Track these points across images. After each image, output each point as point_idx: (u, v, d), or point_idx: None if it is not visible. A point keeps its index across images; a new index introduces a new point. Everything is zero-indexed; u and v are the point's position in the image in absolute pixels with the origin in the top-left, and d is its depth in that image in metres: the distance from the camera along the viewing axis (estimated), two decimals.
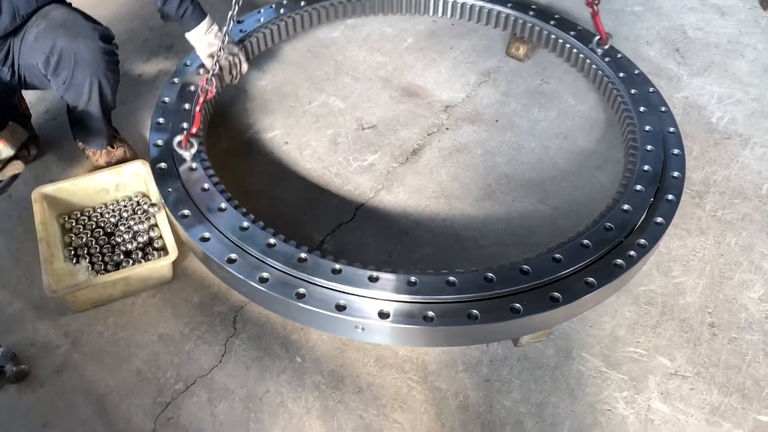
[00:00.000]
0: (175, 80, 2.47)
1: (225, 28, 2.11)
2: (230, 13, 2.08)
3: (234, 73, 2.51)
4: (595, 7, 2.58)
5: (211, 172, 2.14)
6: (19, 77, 2.19)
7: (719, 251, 2.25)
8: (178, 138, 2.12)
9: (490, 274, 1.82)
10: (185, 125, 2.25)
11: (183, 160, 2.15)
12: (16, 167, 1.90)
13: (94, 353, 1.95)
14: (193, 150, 2.14)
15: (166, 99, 2.39)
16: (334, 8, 3.06)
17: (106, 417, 1.82)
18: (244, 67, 2.55)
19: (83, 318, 2.03)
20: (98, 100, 2.18)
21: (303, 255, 1.88)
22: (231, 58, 2.46)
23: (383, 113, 2.76)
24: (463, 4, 3.07)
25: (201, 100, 2.14)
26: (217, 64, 2.13)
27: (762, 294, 2.11)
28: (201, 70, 2.49)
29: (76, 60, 2.05)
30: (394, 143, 2.62)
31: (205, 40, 2.37)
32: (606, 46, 2.67)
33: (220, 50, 2.13)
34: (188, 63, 2.56)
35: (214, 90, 2.30)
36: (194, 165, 2.15)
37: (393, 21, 3.27)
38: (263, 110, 2.77)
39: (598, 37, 2.67)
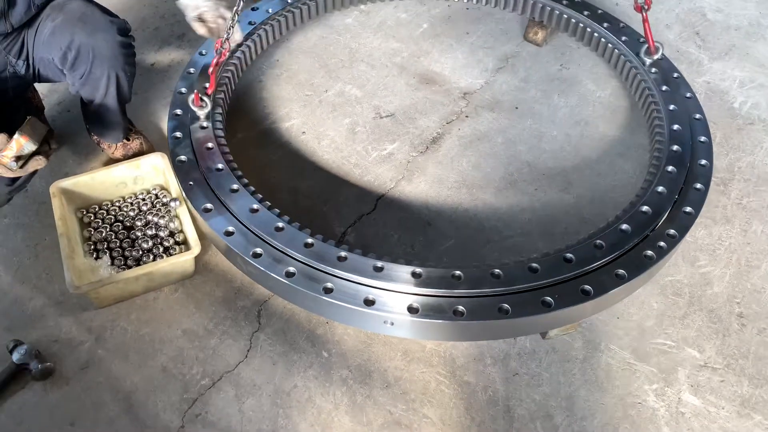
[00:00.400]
0: (191, 70, 2.42)
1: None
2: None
3: (224, 36, 2.19)
4: (645, 14, 2.42)
5: (233, 164, 2.11)
6: (33, 70, 2.14)
7: (746, 240, 2.22)
8: (191, 96, 2.14)
9: (534, 264, 1.79)
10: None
11: (203, 153, 2.11)
12: (39, 162, 1.86)
13: (118, 349, 1.94)
14: (207, 109, 2.17)
15: (183, 89, 2.35)
16: None
17: (133, 414, 1.81)
18: (238, 35, 2.32)
19: (106, 313, 2.02)
20: (115, 93, 2.14)
21: (332, 250, 1.85)
22: (220, 20, 2.17)
23: (401, 101, 2.72)
24: None
25: (214, 61, 2.13)
26: (231, 29, 2.06)
27: None
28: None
29: (94, 55, 2.01)
30: (413, 132, 2.59)
31: (192, 2, 2.13)
32: (656, 57, 2.47)
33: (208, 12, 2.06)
34: (203, 52, 2.51)
35: (228, 53, 2.26)
36: (217, 161, 2.11)
37: (407, 6, 3.20)
38: (279, 100, 2.72)
39: (646, 46, 2.49)
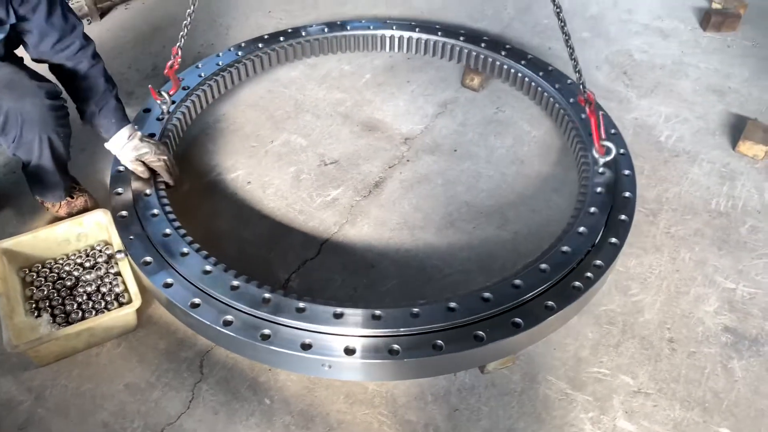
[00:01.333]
0: (135, 127, 2.48)
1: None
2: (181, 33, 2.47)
3: (173, 172, 2.38)
4: (588, 110, 2.27)
5: (172, 216, 2.16)
6: None
7: (674, 267, 2.32)
8: (151, 91, 2.45)
9: (453, 304, 1.85)
10: None
11: (147, 213, 2.16)
12: None
13: (58, 407, 1.92)
14: (166, 103, 2.52)
15: (121, 168, 2.35)
16: (292, 48, 3.13)
17: None
18: (175, 170, 2.42)
19: (47, 372, 2.01)
20: (50, 155, 2.17)
21: (267, 295, 1.89)
22: (164, 158, 2.32)
23: (345, 148, 2.81)
24: (417, 39, 3.17)
25: (168, 64, 2.48)
26: (158, 159, 2.28)
27: (717, 307, 2.18)
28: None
29: (23, 119, 2.04)
30: (356, 177, 2.67)
31: (129, 144, 2.25)
32: (606, 159, 2.28)
33: (151, 154, 2.26)
34: (148, 108, 2.59)
35: (180, 59, 2.52)
36: (156, 211, 2.16)
37: (351, 58, 3.34)
38: (225, 151, 2.79)
39: (594, 149, 2.31)
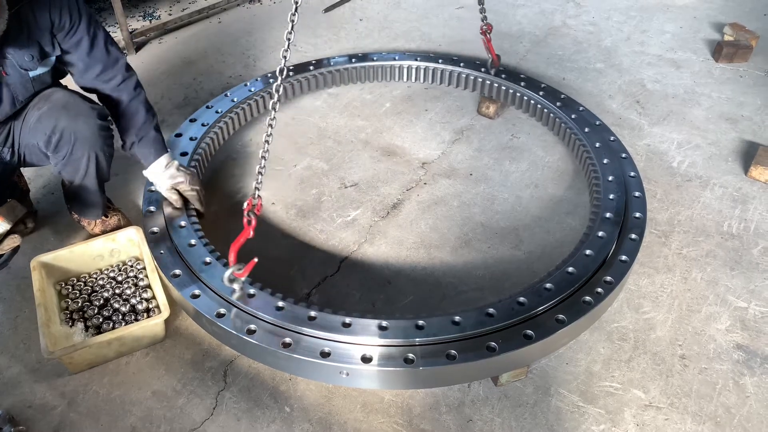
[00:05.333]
0: (171, 156, 2.63)
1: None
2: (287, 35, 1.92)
3: (203, 202, 2.48)
4: (488, 35, 3.08)
5: (201, 234, 2.27)
6: (19, 156, 2.34)
7: (686, 286, 2.36)
8: (227, 274, 2.00)
9: (458, 318, 1.93)
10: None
11: (176, 226, 2.29)
12: (14, 240, 2.01)
13: (90, 412, 2.02)
14: (238, 287, 2.03)
15: (152, 188, 2.49)
16: (315, 79, 3.30)
17: None
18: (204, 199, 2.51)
19: (79, 379, 2.11)
20: (95, 172, 2.33)
21: (289, 306, 1.98)
22: (197, 189, 2.43)
23: (364, 172, 2.93)
24: (435, 69, 3.31)
25: (241, 239, 2.01)
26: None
27: (728, 325, 2.21)
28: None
29: (76, 137, 2.21)
30: (375, 199, 2.77)
31: (166, 173, 2.37)
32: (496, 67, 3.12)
33: (185, 183, 2.36)
34: (180, 133, 2.74)
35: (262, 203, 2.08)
36: (183, 223, 2.29)
37: (372, 88, 3.49)
38: (250, 175, 2.92)
39: (490, 60, 3.13)
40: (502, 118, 3.24)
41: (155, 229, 2.31)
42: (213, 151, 2.89)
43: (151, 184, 2.46)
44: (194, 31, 4.17)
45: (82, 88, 2.34)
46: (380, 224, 2.65)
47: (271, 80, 3.13)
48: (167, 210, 2.37)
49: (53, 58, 2.20)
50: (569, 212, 2.69)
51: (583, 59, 3.75)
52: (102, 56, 2.26)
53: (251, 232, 2.01)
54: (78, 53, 2.22)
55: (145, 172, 2.41)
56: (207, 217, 2.63)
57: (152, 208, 2.40)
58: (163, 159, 2.38)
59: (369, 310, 2.31)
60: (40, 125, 2.22)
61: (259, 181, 2.00)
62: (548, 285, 2.03)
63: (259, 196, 2.00)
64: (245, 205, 2.00)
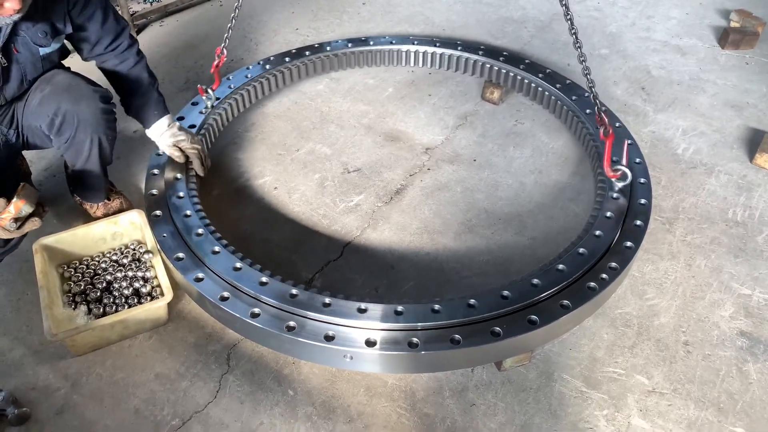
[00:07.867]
0: (173, 117, 2.61)
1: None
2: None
3: (206, 163, 2.56)
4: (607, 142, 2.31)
5: (202, 214, 2.26)
6: (23, 138, 2.32)
7: (690, 273, 2.36)
8: (198, 87, 2.73)
9: (472, 300, 1.92)
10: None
11: (176, 207, 2.28)
12: (34, 223, 1.99)
13: (93, 394, 2.02)
14: (210, 99, 2.77)
15: (160, 152, 2.52)
16: (319, 62, 3.27)
17: None
18: (207, 162, 2.59)
19: (82, 361, 2.11)
20: (98, 155, 2.31)
21: (293, 290, 1.98)
22: (198, 147, 2.49)
23: (367, 157, 2.91)
24: (440, 54, 3.28)
25: (215, 64, 2.75)
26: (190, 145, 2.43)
27: (732, 312, 2.21)
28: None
29: (78, 120, 2.19)
30: (378, 184, 2.76)
31: (169, 131, 2.43)
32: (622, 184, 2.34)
33: (186, 141, 2.43)
34: (182, 117, 2.72)
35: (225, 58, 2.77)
36: (188, 212, 2.27)
37: (374, 73, 3.46)
38: (253, 159, 2.91)
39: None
40: (506, 103, 3.22)
41: (158, 212, 2.29)
42: (216, 135, 2.87)
43: (154, 166, 2.45)
44: (195, 14, 4.14)
45: (86, 60, 2.34)
46: (383, 209, 2.64)
47: (268, 65, 3.12)
48: (169, 176, 2.41)
49: (63, 36, 2.19)
50: (573, 198, 2.68)
51: (588, 45, 3.71)
52: (113, 27, 2.28)
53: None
54: (92, 27, 2.23)
55: (148, 132, 2.46)
56: (210, 201, 2.62)
57: (155, 191, 2.39)
58: (166, 119, 2.44)
59: (372, 295, 2.30)
60: (42, 108, 2.21)
61: (226, 38, 2.69)
62: (560, 266, 2.03)
63: (225, 49, 2.70)
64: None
